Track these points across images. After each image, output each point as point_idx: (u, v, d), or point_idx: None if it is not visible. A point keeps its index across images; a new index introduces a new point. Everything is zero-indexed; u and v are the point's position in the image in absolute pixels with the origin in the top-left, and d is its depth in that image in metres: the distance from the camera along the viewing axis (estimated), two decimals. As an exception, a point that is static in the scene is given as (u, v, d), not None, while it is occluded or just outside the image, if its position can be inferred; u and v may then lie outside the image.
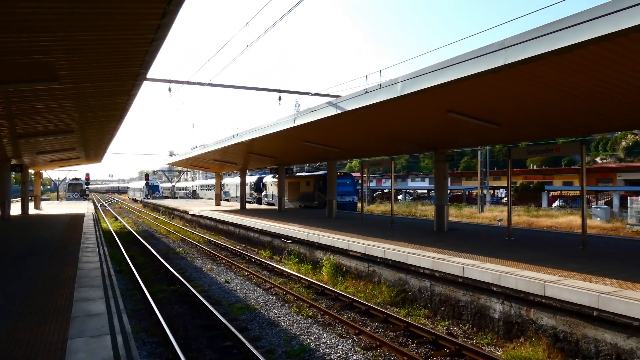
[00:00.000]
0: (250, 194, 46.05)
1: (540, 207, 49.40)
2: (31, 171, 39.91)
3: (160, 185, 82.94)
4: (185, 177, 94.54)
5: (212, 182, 57.76)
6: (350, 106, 12.11)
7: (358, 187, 39.93)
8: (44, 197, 65.46)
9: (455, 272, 9.70)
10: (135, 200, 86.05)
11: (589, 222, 29.92)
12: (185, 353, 7.78)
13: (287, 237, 17.94)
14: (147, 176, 76.85)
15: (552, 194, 58.66)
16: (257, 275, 14.69)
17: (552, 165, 74.64)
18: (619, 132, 71.98)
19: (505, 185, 15.15)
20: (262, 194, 44.15)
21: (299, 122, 15.05)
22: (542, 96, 9.64)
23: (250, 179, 47.40)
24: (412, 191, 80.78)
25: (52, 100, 11.30)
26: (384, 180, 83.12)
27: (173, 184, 75.66)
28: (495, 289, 8.76)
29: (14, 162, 27.40)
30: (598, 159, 77.08)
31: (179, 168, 74.16)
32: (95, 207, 54.54)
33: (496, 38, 7.35)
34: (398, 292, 11.39)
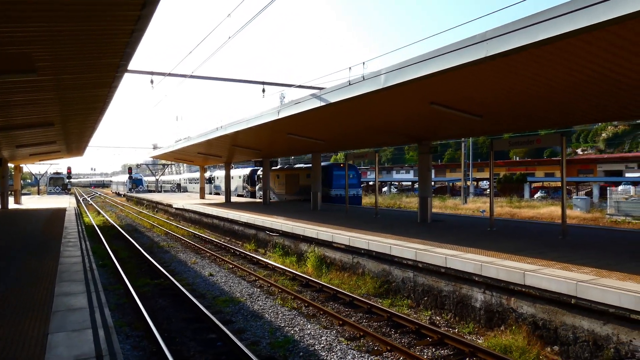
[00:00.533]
0: (244, 187, 44.51)
1: (522, 198, 50.07)
2: (11, 165, 39.19)
3: (144, 178, 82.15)
4: (170, 170, 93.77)
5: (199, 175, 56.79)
6: (333, 98, 12.11)
7: (363, 180, 38.72)
8: (24, 191, 64.43)
9: (438, 263, 9.81)
10: (118, 194, 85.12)
11: (569, 212, 30.47)
12: (169, 346, 7.76)
13: (271, 230, 17.94)
14: (130, 170, 75.87)
15: (534, 185, 59.47)
16: (242, 268, 14.68)
17: (534, 156, 75.58)
18: (600, 124, 73.12)
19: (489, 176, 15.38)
20: (257, 187, 42.14)
21: (283, 114, 15.01)
22: (523, 88, 9.75)
23: (243, 171, 46.01)
24: (396, 183, 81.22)
25: (31, 92, 11.09)
26: (368, 173, 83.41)
27: (157, 177, 74.96)
28: (476, 278, 8.89)
29: (-8, 155, 26.87)
30: (579, 150, 78.22)
31: (163, 161, 73.40)
32: (78, 201, 53.86)
33: (483, 29, 7.36)
34: (382, 283, 11.48)
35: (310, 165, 31.85)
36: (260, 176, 39.77)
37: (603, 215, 30.50)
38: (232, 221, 22.53)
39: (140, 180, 78.02)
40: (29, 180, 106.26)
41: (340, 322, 9.23)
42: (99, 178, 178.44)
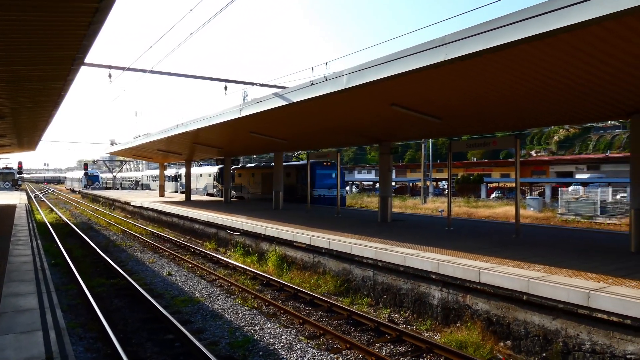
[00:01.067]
0: (214, 186, 42.09)
1: (479, 198, 51.55)
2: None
3: (101, 175, 79.73)
4: (128, 167, 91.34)
5: (166, 172, 54.71)
6: (296, 98, 12.12)
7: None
8: (-30, 187, 61.29)
9: (397, 262, 9.98)
10: (73, 191, 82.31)
11: (523, 212, 31.58)
12: (124, 347, 7.59)
13: (232, 229, 17.78)
14: (86, 166, 73.46)
15: (490, 185, 61.31)
16: (202, 267, 14.49)
17: (491, 158, 77.74)
18: (552, 127, 76.06)
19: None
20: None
21: (245, 112, 14.90)
22: (480, 92, 10.04)
23: (213, 169, 43.37)
24: (358, 183, 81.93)
25: (-21, 84, 10.61)
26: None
27: (114, 174, 72.90)
28: (434, 276, 9.10)
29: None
30: (533, 152, 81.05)
31: (121, 158, 71.53)
32: (29, 197, 51.70)
33: (448, 31, 7.59)
34: (342, 281, 11.58)
35: (290, 163, 29.67)
36: (234, 174, 37.77)
37: (554, 215, 31.76)
38: (192, 220, 22.20)
39: (97, 176, 75.61)
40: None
41: (301, 321, 9.26)
42: (52, 174, 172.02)
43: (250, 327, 8.97)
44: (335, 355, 7.65)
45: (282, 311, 9.99)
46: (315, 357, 7.53)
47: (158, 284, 12.62)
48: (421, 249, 10.71)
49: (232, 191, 37.66)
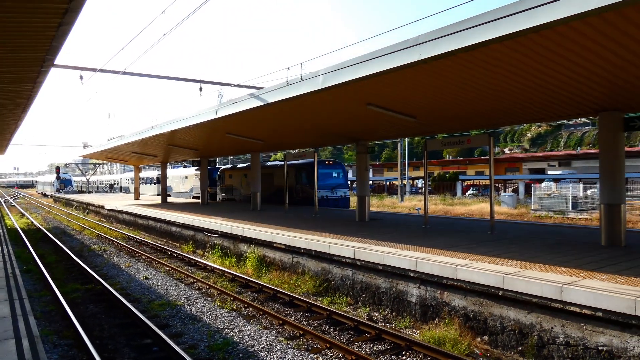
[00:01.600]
0: None
1: (455, 195, 52.26)
2: None
3: (74, 178, 78.10)
4: (102, 170, 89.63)
5: (147, 174, 53.16)
6: (272, 98, 12.09)
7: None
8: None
9: (375, 260, 10.05)
10: (45, 195, 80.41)
11: (498, 208, 32.17)
12: (101, 353, 7.46)
13: (210, 231, 17.63)
14: (58, 169, 71.89)
15: (466, 183, 62.21)
16: (179, 270, 14.33)
17: (466, 156, 78.95)
18: (525, 125, 77.61)
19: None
20: (218, 187, 37.02)
21: (221, 113, 14.79)
22: (454, 91, 10.19)
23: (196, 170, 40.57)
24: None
25: (-56, 86, 10.29)
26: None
27: (88, 177, 71.48)
28: (412, 274, 9.19)
29: None
30: (506, 150, 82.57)
31: (94, 161, 70.19)
32: (-1, 203, 50.31)
33: (429, 29, 7.59)
34: (321, 281, 11.61)
35: (292, 162, 26.38)
36: (223, 176, 35.84)
37: (528, 211, 32.43)
38: (169, 222, 21.93)
39: (69, 180, 74.08)
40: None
41: (280, 322, 9.25)
42: (23, 178, 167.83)
43: (229, 330, 8.91)
44: (316, 355, 7.66)
45: (261, 312, 9.95)
46: (295, 358, 7.53)
47: (135, 288, 12.43)
48: (399, 247, 10.81)
49: (223, 193, 36.01)
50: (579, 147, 66.46)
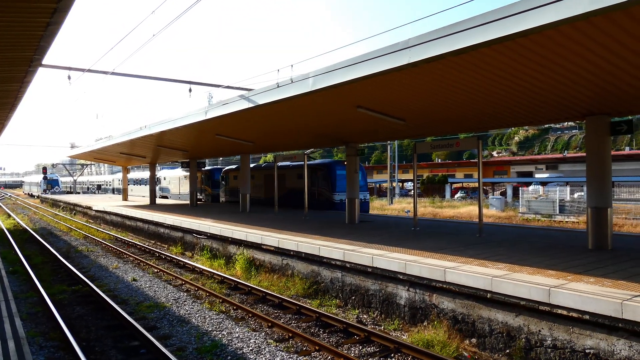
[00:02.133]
0: (202, 190, 37.55)
1: (444, 198, 52.45)
2: None
3: (61, 179, 77.29)
4: (89, 170, 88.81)
5: (141, 175, 52.19)
6: (262, 100, 12.06)
7: (369, 181, 29.85)
8: None
9: (364, 263, 10.06)
10: (31, 196, 79.51)
11: (486, 211, 32.35)
12: (87, 356, 7.38)
13: (199, 233, 17.54)
14: (45, 169, 71.14)
15: (454, 185, 62.49)
16: (168, 272, 14.24)
17: (455, 158, 79.35)
18: (512, 128, 78.30)
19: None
20: (221, 189, 35.07)
21: (210, 114, 14.73)
22: (443, 94, 10.24)
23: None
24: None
25: None
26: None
27: (75, 177, 70.76)
28: (401, 277, 9.22)
29: None
30: (495, 153, 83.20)
31: (82, 161, 69.42)
32: (-16, 203, 49.64)
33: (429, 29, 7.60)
34: (311, 283, 11.59)
35: (301, 162, 22.79)
36: (227, 177, 34.07)
37: (516, 214, 32.65)
38: (157, 224, 21.78)
39: (56, 180, 73.34)
40: None
41: (269, 324, 9.22)
42: (9, 178, 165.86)
43: (218, 332, 8.86)
44: (305, 358, 7.65)
45: (250, 315, 9.92)
46: (284, 360, 7.51)
47: (122, 290, 12.32)
48: (388, 249, 10.83)
49: (227, 195, 34.39)
50: (566, 151, 67.18)
